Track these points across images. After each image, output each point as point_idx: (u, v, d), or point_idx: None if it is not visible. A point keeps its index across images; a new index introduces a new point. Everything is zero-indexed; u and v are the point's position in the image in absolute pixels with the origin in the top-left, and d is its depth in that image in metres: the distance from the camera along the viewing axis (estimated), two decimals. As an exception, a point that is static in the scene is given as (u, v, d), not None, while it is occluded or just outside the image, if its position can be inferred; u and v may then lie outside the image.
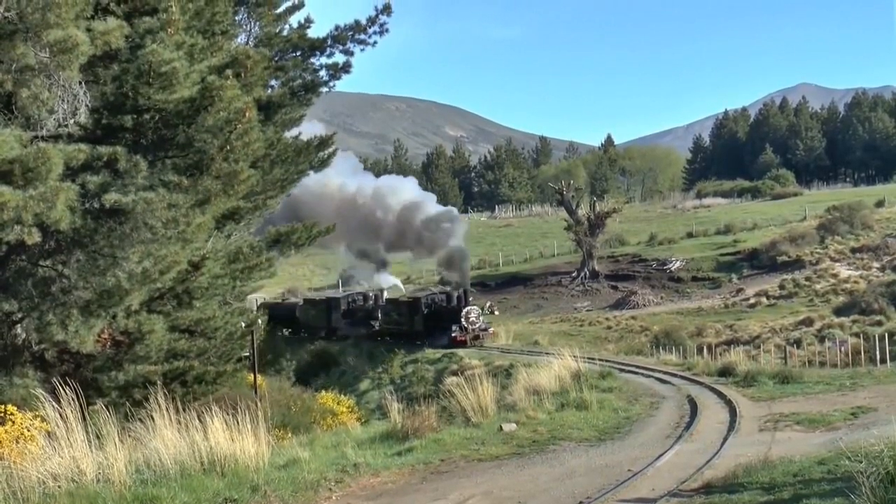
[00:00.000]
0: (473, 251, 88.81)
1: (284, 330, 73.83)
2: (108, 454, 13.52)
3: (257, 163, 20.62)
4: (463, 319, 57.42)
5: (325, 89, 26.71)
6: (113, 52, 15.86)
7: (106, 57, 16.00)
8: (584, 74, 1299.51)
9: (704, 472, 14.64)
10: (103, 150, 15.86)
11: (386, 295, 70.15)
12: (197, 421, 15.07)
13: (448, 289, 64.33)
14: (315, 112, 40.06)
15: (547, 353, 37.32)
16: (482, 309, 60.58)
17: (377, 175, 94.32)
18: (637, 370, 37.74)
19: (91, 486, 12.96)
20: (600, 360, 37.95)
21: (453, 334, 56.78)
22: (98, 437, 13.95)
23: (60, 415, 13.68)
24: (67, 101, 15.43)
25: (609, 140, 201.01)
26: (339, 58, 26.42)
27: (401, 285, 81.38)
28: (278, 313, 71.88)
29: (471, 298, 61.09)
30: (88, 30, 14.74)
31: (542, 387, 26.05)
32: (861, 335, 44.44)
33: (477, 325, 57.91)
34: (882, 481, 10.03)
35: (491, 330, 59.20)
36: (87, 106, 15.78)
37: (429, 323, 59.87)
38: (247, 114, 16.98)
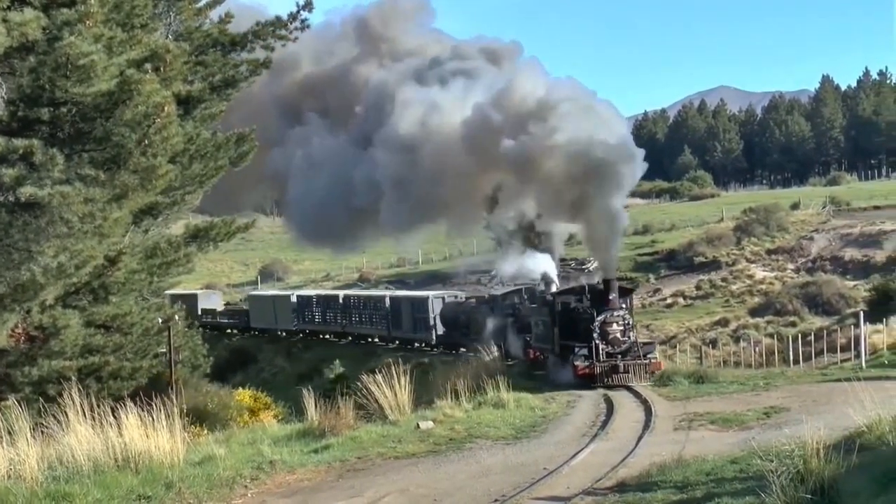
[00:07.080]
0: (392, 249, 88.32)
1: (461, 341, 48.84)
2: (19, 450, 13.40)
3: (176, 158, 20.45)
4: (596, 335, 32.74)
5: (244, 85, 26.56)
6: (30, 44, 15.69)
7: (22, 48, 15.82)
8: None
9: (619, 471, 14.84)
10: (19, 142, 15.66)
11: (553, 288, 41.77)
12: (112, 417, 14.98)
13: (590, 279, 43.42)
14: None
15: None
16: None
17: None
18: (555, 369, 37.95)
19: (2, 483, 12.84)
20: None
21: (576, 362, 32.09)
22: (10, 434, 13.83)
23: (-29, 411, 13.54)
24: (-18, 93, 15.23)
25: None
26: (260, 54, 26.27)
27: (554, 275, 45.20)
28: (457, 317, 50.84)
29: (612, 296, 34.01)
30: (5, 20, 14.57)
31: (460, 385, 26.15)
32: (775, 336, 45.04)
33: (623, 347, 32.75)
34: (792, 480, 10.25)
35: (654, 357, 33.26)
36: (2, 98, 15.60)
37: (563, 338, 34.85)
38: (166, 108, 16.84)
